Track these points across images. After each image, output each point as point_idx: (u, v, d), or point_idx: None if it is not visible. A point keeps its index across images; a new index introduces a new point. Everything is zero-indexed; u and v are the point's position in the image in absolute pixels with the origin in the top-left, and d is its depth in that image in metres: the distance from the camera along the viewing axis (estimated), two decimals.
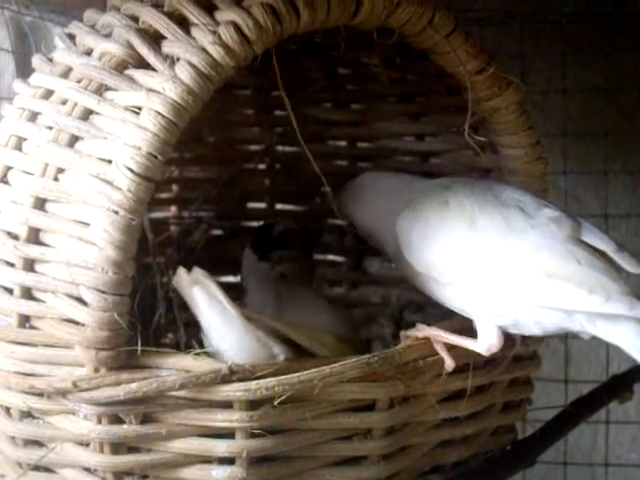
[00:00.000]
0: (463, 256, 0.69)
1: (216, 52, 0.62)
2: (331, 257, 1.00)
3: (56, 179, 0.64)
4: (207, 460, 0.65)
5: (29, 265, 0.65)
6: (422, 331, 0.70)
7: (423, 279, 0.73)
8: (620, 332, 0.65)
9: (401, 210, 0.75)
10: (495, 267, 0.68)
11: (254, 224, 1.01)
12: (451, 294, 0.71)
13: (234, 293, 0.99)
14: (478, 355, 0.70)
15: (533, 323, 0.68)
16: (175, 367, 0.63)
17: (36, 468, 0.68)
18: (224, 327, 0.65)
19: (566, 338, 1.08)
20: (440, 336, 0.70)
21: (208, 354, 0.65)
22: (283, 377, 0.63)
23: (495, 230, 0.69)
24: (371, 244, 0.84)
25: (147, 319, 0.82)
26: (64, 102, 0.66)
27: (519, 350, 0.74)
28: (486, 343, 0.70)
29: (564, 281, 0.66)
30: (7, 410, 0.68)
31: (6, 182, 0.67)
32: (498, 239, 0.69)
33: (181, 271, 0.65)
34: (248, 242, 0.89)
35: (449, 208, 0.72)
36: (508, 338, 0.72)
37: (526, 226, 0.69)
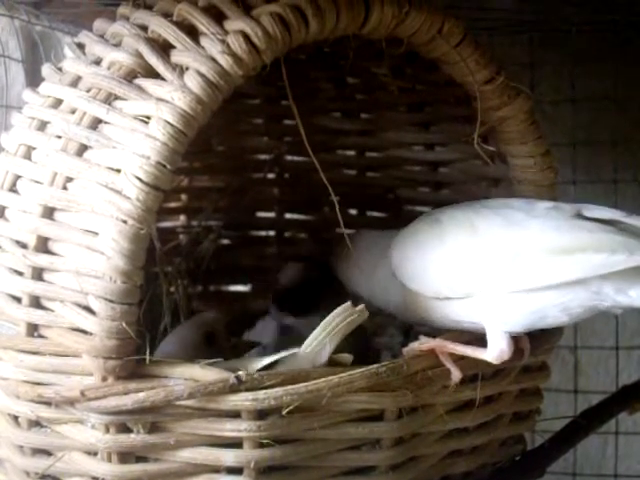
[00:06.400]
0: (471, 263, 0.69)
1: (225, 61, 0.62)
2: None
3: (65, 188, 0.64)
4: (215, 470, 0.65)
5: (38, 274, 0.65)
6: (425, 344, 0.69)
7: (422, 304, 0.72)
8: None
9: (391, 246, 0.75)
10: (507, 262, 0.67)
11: (263, 233, 1.01)
12: (456, 309, 0.70)
13: (243, 302, 1.00)
14: (487, 365, 0.69)
15: (560, 311, 0.67)
16: (183, 376, 0.63)
17: (44, 477, 0.67)
18: None
19: (575, 349, 1.07)
20: (446, 347, 0.69)
21: (217, 363, 0.65)
22: (291, 387, 0.63)
23: (497, 228, 0.69)
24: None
25: (155, 328, 0.83)
26: (73, 111, 0.66)
27: (528, 360, 0.74)
28: (496, 351, 0.68)
29: (582, 252, 0.65)
30: (15, 419, 0.68)
31: (15, 191, 0.67)
32: (501, 235, 0.68)
33: None
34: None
35: (443, 223, 0.72)
36: (517, 348, 0.72)
37: (526, 217, 0.69)
